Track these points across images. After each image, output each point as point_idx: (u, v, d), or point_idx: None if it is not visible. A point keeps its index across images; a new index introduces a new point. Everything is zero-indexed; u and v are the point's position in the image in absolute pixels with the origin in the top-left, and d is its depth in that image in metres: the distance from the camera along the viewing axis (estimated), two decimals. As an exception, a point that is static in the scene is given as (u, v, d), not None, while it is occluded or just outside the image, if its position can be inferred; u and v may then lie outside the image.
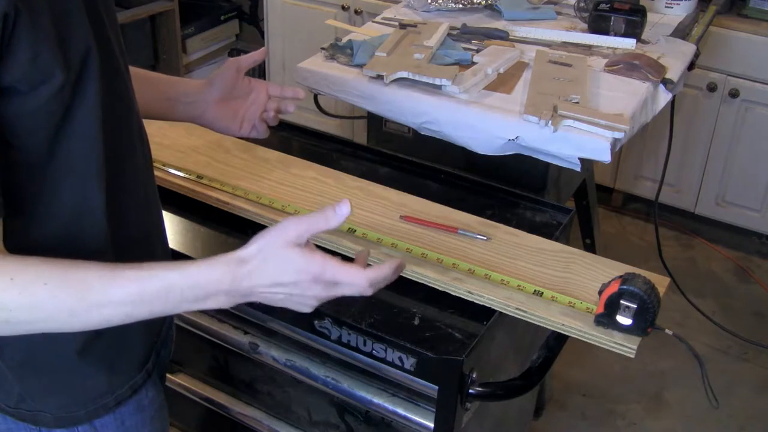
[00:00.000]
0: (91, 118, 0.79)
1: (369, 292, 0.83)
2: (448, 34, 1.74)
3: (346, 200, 0.82)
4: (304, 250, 0.80)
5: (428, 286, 1.18)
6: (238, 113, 1.22)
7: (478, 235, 1.26)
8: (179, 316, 1.31)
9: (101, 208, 0.84)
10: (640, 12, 1.77)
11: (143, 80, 1.13)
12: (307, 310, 0.84)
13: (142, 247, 0.93)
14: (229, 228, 1.33)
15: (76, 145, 0.79)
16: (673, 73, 1.64)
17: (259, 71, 3.43)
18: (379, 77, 1.51)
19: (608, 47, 1.74)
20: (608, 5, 1.78)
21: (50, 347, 0.86)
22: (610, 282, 1.08)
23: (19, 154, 0.77)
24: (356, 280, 0.81)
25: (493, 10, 1.93)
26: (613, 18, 1.77)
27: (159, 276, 0.76)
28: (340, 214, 0.81)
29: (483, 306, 1.15)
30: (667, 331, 1.08)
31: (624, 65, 1.61)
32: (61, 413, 0.90)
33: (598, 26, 1.79)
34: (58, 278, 0.74)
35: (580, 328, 1.09)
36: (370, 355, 1.14)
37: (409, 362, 1.10)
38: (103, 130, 0.81)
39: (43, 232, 0.82)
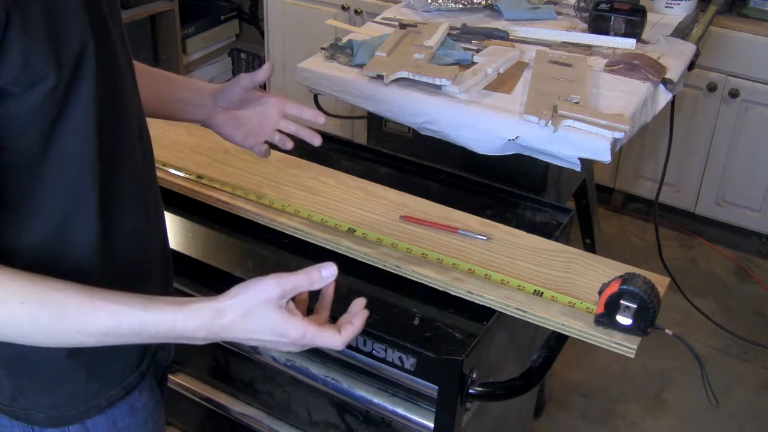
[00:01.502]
0: (85, 116, 0.79)
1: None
2: (448, 34, 1.74)
3: (332, 263, 0.83)
4: (284, 313, 0.80)
5: (428, 286, 1.18)
6: (244, 124, 1.18)
7: (478, 235, 1.26)
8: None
9: (94, 207, 0.83)
10: (640, 12, 1.77)
11: (160, 79, 1.12)
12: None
13: (137, 247, 0.92)
14: (229, 228, 1.33)
15: (69, 145, 0.79)
16: (673, 73, 1.64)
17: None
18: (379, 77, 1.51)
19: (608, 47, 1.74)
20: (608, 5, 1.78)
21: (42, 347, 0.86)
22: (610, 282, 1.08)
23: (11, 155, 0.76)
24: (333, 345, 0.84)
25: (493, 10, 1.93)
26: (613, 18, 1.77)
27: (136, 315, 0.77)
28: (325, 276, 0.83)
29: (483, 306, 1.15)
30: (667, 331, 1.08)
31: (624, 65, 1.61)
32: (53, 413, 0.90)
33: (598, 26, 1.79)
34: (37, 299, 0.74)
35: (580, 328, 1.09)
36: (370, 355, 1.14)
37: (409, 362, 1.10)
38: (98, 129, 0.80)
39: (34, 231, 0.81)
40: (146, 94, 0.94)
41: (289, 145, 1.19)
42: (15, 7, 0.68)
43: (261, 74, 1.13)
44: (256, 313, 0.80)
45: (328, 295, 0.89)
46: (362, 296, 0.90)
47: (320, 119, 1.18)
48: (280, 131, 1.19)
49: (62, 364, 0.88)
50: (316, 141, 1.18)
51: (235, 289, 0.81)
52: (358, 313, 0.88)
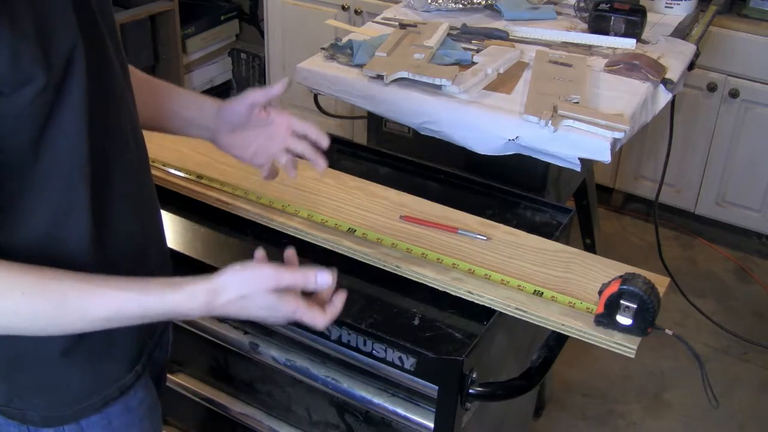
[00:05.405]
0: (76, 117, 0.79)
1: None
2: (448, 34, 1.74)
3: (330, 273, 0.89)
4: (278, 295, 0.86)
5: (428, 286, 1.18)
6: (251, 144, 1.12)
7: (478, 235, 1.26)
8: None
9: (86, 207, 0.83)
10: (640, 12, 1.77)
11: (163, 93, 1.09)
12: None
13: (133, 245, 0.92)
14: (229, 228, 1.33)
15: (60, 145, 0.79)
16: (673, 73, 1.64)
17: (260, 71, 3.43)
18: (379, 77, 1.51)
19: (608, 47, 1.74)
20: (608, 5, 1.78)
21: (35, 347, 0.86)
22: (610, 282, 1.08)
23: (2, 155, 0.77)
24: (317, 324, 0.90)
25: (493, 10, 1.93)
26: (613, 18, 1.77)
27: (137, 299, 0.81)
28: (320, 282, 0.89)
29: (483, 306, 1.15)
30: (667, 331, 1.08)
31: (624, 65, 1.61)
32: (48, 413, 0.90)
33: (598, 26, 1.79)
34: (37, 288, 0.77)
35: (580, 328, 1.09)
36: (370, 355, 1.14)
37: (409, 362, 1.10)
38: (90, 128, 0.80)
39: (28, 230, 0.82)
40: (150, 109, 0.94)
41: (293, 173, 1.15)
42: (3, 8, 0.69)
43: (276, 89, 1.09)
44: (254, 297, 0.85)
45: (324, 298, 0.93)
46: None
47: (324, 143, 1.12)
48: (288, 149, 1.13)
49: (57, 363, 0.88)
50: (321, 165, 1.12)
51: (231, 271, 0.86)
52: (340, 295, 0.92)
